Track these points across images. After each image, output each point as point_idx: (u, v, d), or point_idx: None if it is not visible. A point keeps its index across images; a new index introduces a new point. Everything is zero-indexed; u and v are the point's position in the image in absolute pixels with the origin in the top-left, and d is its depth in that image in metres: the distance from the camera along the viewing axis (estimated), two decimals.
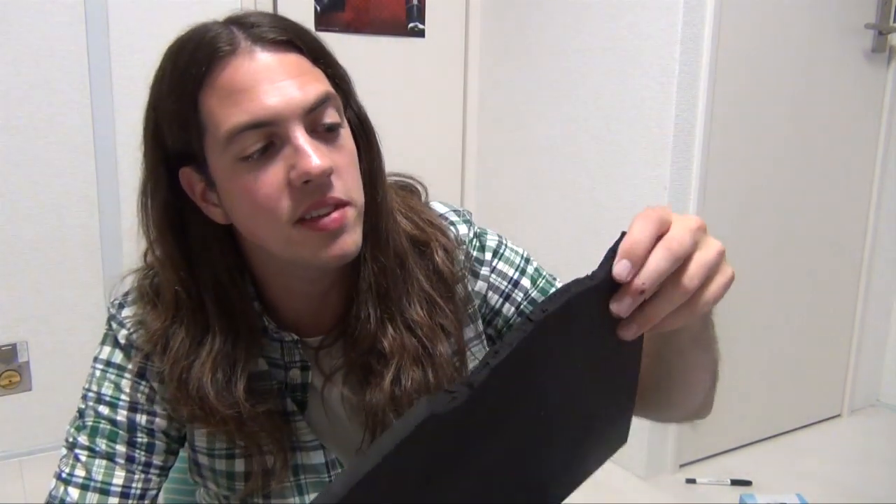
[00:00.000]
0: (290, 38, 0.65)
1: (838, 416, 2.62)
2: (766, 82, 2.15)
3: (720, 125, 2.07)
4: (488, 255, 0.82)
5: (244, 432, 0.73)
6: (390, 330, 0.74)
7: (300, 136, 0.63)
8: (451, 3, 2.66)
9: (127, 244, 2.25)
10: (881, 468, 2.29)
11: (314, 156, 0.63)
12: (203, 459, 0.78)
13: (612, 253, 0.53)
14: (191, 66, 0.64)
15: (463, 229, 0.82)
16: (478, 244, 0.82)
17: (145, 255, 0.75)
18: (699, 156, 2.06)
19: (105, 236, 2.24)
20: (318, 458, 0.78)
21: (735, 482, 2.16)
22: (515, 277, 0.82)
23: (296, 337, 0.76)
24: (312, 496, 0.78)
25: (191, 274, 0.71)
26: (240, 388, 0.71)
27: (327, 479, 0.78)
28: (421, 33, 2.62)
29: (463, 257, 0.80)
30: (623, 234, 0.53)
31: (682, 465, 2.26)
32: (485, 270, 0.81)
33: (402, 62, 2.58)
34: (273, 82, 0.63)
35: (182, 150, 0.67)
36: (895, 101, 2.43)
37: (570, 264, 2.31)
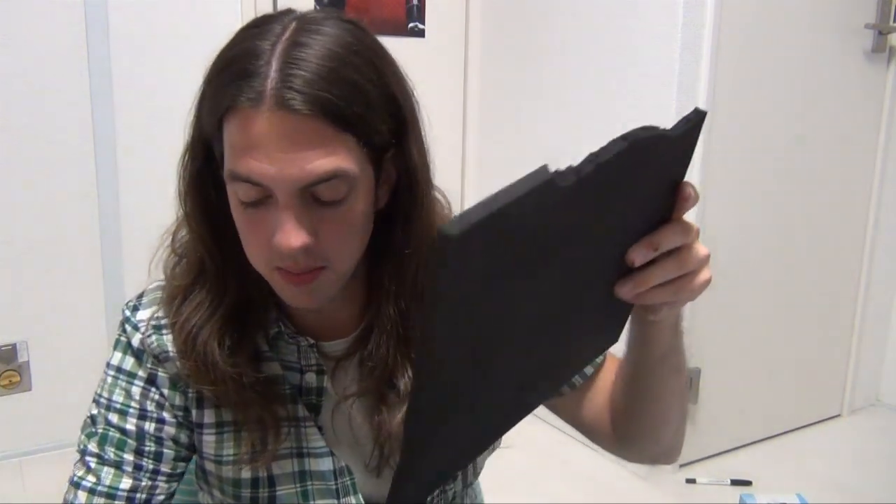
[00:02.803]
0: (314, 112, 0.62)
1: (838, 416, 2.62)
2: (765, 82, 2.15)
3: (720, 125, 2.07)
4: None
5: (242, 398, 0.73)
6: (408, 371, 0.76)
7: (286, 210, 0.64)
8: (451, 3, 2.66)
9: (127, 244, 2.25)
10: (881, 468, 2.29)
11: (290, 234, 0.63)
12: (210, 466, 0.78)
13: (685, 120, 0.56)
14: (225, 92, 0.64)
15: None
16: None
17: (174, 233, 0.77)
18: (699, 156, 2.06)
19: (105, 236, 2.24)
20: (326, 464, 0.78)
21: (735, 482, 2.16)
22: None
23: (311, 341, 0.77)
24: (318, 503, 0.78)
25: (216, 243, 0.73)
26: (245, 355, 0.73)
27: (334, 487, 0.78)
28: (421, 33, 2.62)
29: None
30: (696, 108, 0.57)
31: (682, 465, 2.26)
32: None
33: (401, 62, 2.58)
34: (278, 151, 0.62)
35: (210, 140, 0.70)
36: (895, 101, 2.43)
37: None
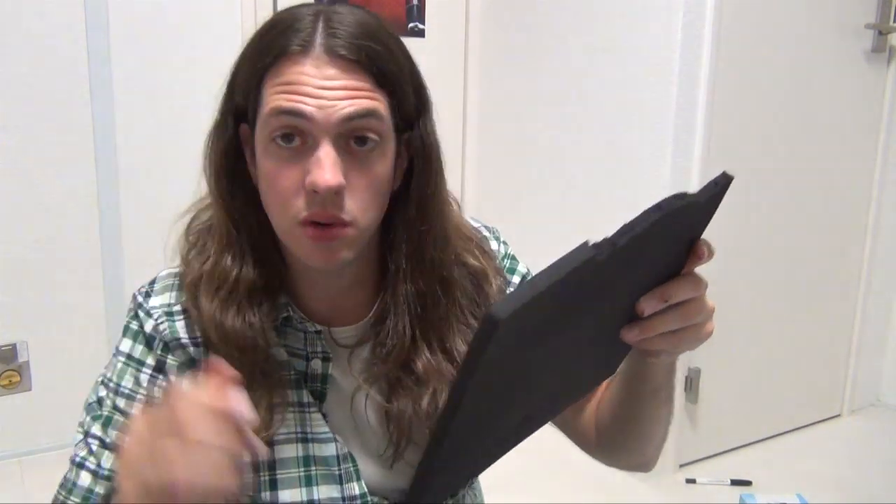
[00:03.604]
0: (359, 59, 0.68)
1: (838, 416, 2.62)
2: (765, 82, 2.15)
3: (720, 125, 2.07)
4: (515, 279, 0.89)
5: (249, 382, 0.73)
6: (426, 352, 0.77)
7: (323, 148, 0.67)
8: (451, 3, 2.66)
9: (127, 244, 2.25)
10: (881, 468, 2.29)
11: (327, 171, 0.66)
12: None
13: (713, 184, 0.60)
14: (270, 47, 0.69)
15: (493, 245, 0.88)
16: (509, 265, 0.89)
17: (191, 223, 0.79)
18: (699, 156, 2.06)
19: (105, 236, 2.24)
20: (329, 450, 0.79)
21: (735, 482, 2.16)
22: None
23: (319, 328, 0.78)
24: (321, 488, 0.78)
25: (236, 222, 0.75)
26: (262, 338, 0.74)
27: (337, 472, 0.79)
28: (421, 33, 2.62)
29: (501, 280, 0.86)
30: (724, 172, 0.61)
31: (682, 465, 2.26)
32: (509, 290, 0.87)
33: None
34: (323, 89, 0.67)
35: (243, 110, 0.72)
36: (895, 101, 2.43)
37: None
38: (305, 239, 0.70)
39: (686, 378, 2.22)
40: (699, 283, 0.65)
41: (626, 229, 0.52)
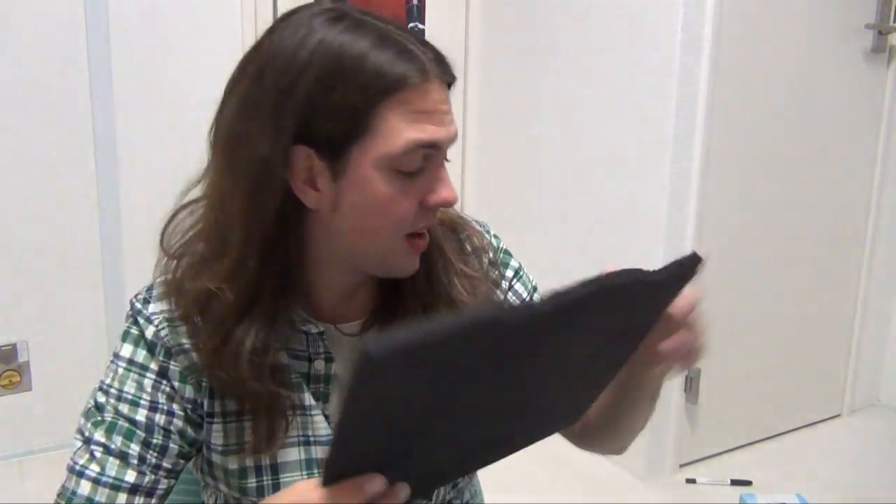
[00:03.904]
0: (453, 81, 0.74)
1: (838, 416, 2.62)
2: (765, 82, 2.15)
3: (720, 125, 2.07)
4: (509, 273, 0.90)
5: (254, 388, 0.74)
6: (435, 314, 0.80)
7: (444, 167, 0.74)
8: (451, 3, 2.66)
9: (127, 244, 2.25)
10: (881, 468, 2.29)
11: (452, 187, 0.73)
12: (216, 458, 0.79)
13: (678, 265, 0.62)
14: (385, 73, 0.68)
15: (486, 238, 0.90)
16: (504, 258, 0.90)
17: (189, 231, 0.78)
18: (699, 156, 2.06)
19: (105, 236, 2.24)
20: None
21: (735, 482, 2.16)
22: (526, 299, 0.90)
23: (321, 328, 0.79)
24: None
25: (262, 240, 0.72)
26: (273, 350, 0.74)
27: None
28: (421, 33, 2.62)
29: (493, 254, 0.88)
30: (695, 252, 0.64)
31: (682, 465, 2.26)
32: (504, 284, 0.89)
33: None
34: (445, 114, 0.72)
35: (324, 135, 0.69)
36: (895, 101, 2.43)
37: (570, 263, 2.31)
38: (409, 250, 0.74)
39: (686, 378, 2.22)
40: (690, 331, 0.74)
41: (552, 297, 0.53)
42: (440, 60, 0.72)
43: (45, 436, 2.23)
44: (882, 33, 2.33)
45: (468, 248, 0.86)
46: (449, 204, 0.73)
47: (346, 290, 0.80)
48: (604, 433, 0.89)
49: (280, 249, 0.72)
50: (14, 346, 2.21)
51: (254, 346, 0.73)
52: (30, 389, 2.25)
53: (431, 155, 0.71)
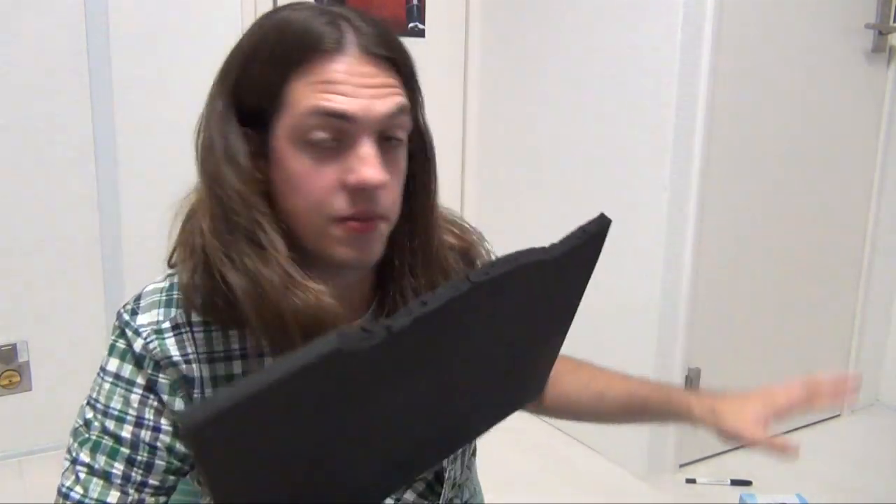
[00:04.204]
0: (392, 56, 0.70)
1: (838, 416, 2.62)
2: (765, 82, 2.15)
3: (720, 125, 2.07)
4: None
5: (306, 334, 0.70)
6: None
7: (368, 145, 0.68)
8: (451, 3, 2.66)
9: (127, 244, 2.25)
10: (881, 468, 2.29)
11: (374, 167, 0.67)
12: None
13: (581, 231, 0.57)
14: (294, 47, 0.68)
15: (488, 246, 0.89)
16: None
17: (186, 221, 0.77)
18: (699, 156, 2.06)
19: (105, 236, 2.24)
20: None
21: (735, 482, 2.16)
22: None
23: None
24: None
25: (234, 215, 0.71)
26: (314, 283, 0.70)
27: None
28: (421, 33, 2.62)
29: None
30: (602, 215, 0.59)
31: (682, 465, 2.26)
32: None
33: None
34: (363, 86, 0.68)
35: (251, 112, 0.71)
36: (895, 101, 2.43)
37: None
38: (346, 234, 0.70)
39: (686, 378, 2.22)
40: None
41: (412, 307, 0.48)
42: (377, 36, 0.69)
43: (45, 436, 2.23)
44: (882, 33, 2.33)
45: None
46: (369, 185, 0.67)
47: (338, 291, 0.76)
48: (587, 417, 0.91)
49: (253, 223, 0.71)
50: (14, 346, 2.21)
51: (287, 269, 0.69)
52: (30, 389, 2.25)
53: (345, 128, 0.68)
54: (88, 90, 2.16)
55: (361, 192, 0.68)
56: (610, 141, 2.20)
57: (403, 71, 0.72)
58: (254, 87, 0.70)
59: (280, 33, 0.69)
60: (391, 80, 0.70)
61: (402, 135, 0.71)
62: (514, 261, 0.52)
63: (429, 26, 2.62)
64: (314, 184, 0.68)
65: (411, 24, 2.60)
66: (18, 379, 2.23)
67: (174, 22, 2.22)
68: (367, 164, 0.67)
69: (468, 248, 0.84)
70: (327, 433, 0.49)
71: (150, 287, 0.78)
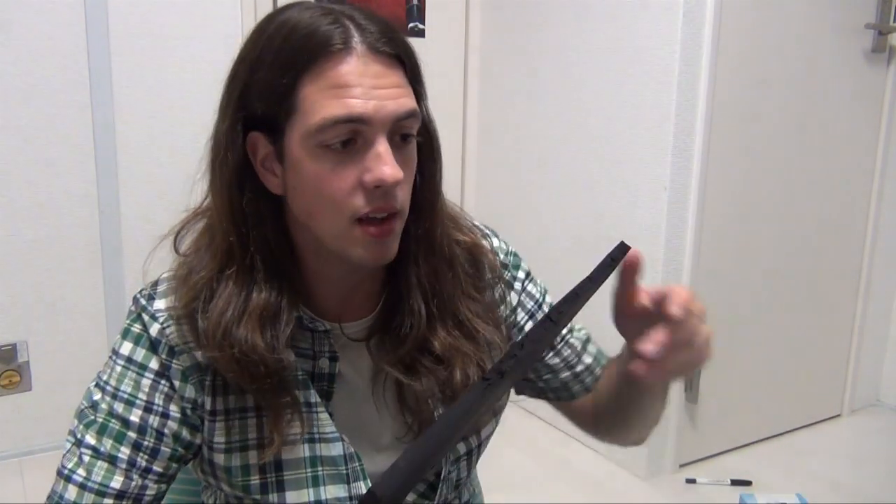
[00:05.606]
0: (398, 53, 0.71)
1: (838, 416, 2.62)
2: (765, 82, 2.15)
3: (720, 125, 2.07)
4: (521, 274, 0.90)
5: (283, 384, 0.74)
6: (441, 331, 0.78)
7: (383, 143, 0.69)
8: (451, 3, 2.66)
9: (127, 244, 2.25)
10: (881, 468, 2.29)
11: (391, 165, 0.68)
12: (219, 458, 0.78)
13: (610, 259, 0.64)
14: (302, 50, 0.68)
15: (496, 242, 0.89)
16: (514, 261, 0.90)
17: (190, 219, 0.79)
18: (699, 156, 2.06)
19: (105, 236, 2.24)
20: (336, 449, 0.79)
21: (735, 482, 2.16)
22: (539, 300, 0.91)
23: (328, 326, 0.78)
24: (328, 488, 0.78)
25: (246, 231, 0.73)
26: (283, 345, 0.73)
27: (344, 472, 0.79)
28: (421, 33, 2.62)
29: (500, 263, 0.88)
30: (622, 243, 0.65)
31: (682, 465, 2.26)
32: (517, 286, 0.89)
33: None
34: (374, 88, 0.68)
35: (263, 118, 0.71)
36: (895, 101, 2.43)
37: (569, 263, 2.31)
38: (365, 237, 0.71)
39: (686, 378, 2.22)
40: (687, 326, 0.65)
41: (514, 349, 0.62)
42: (382, 33, 0.69)
43: (45, 436, 2.23)
44: (882, 33, 2.33)
45: (479, 270, 0.84)
46: (386, 182, 0.68)
47: (345, 287, 0.79)
48: (615, 425, 0.89)
49: (262, 238, 0.73)
50: (14, 346, 2.21)
51: (263, 331, 0.72)
52: (30, 389, 2.25)
53: (360, 130, 0.68)
54: (88, 90, 2.16)
55: (379, 190, 0.69)
56: (610, 141, 2.20)
57: (409, 66, 0.72)
58: (263, 92, 0.70)
59: (286, 36, 0.69)
60: (399, 79, 0.70)
61: (413, 132, 0.72)
62: (578, 297, 0.62)
63: (429, 26, 2.62)
64: (333, 186, 0.69)
65: (411, 24, 2.60)
66: (18, 379, 2.23)
67: (174, 22, 2.22)
68: (384, 163, 0.68)
69: (473, 246, 0.84)
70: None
71: (167, 273, 0.79)
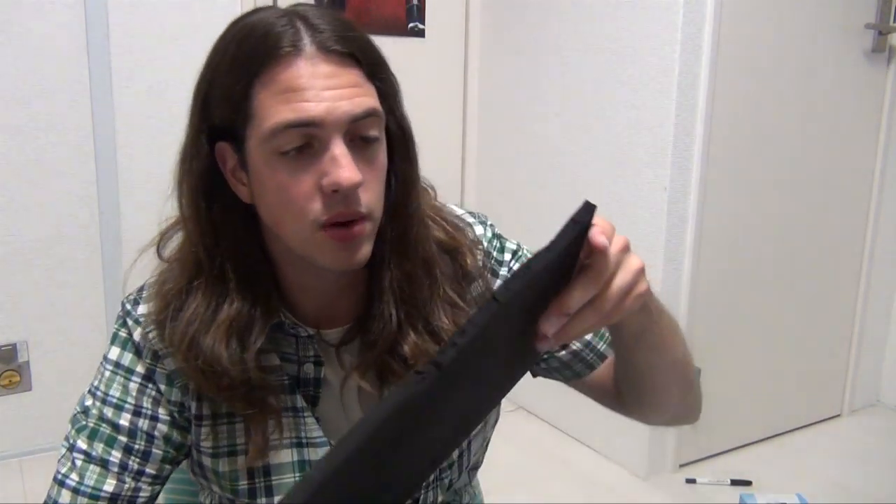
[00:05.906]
0: (352, 51, 0.68)
1: (838, 416, 2.62)
2: (765, 82, 2.15)
3: (720, 125, 2.07)
4: (507, 256, 0.86)
5: (251, 399, 0.73)
6: (412, 336, 0.76)
7: (338, 146, 0.66)
8: (451, 3, 2.66)
9: (127, 244, 2.25)
10: (881, 468, 2.29)
11: (347, 168, 0.66)
12: (207, 461, 0.78)
13: (572, 222, 0.57)
14: (253, 55, 0.67)
15: (479, 230, 0.86)
16: (498, 245, 0.86)
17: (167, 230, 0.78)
18: (699, 156, 2.06)
19: (105, 236, 2.24)
20: (324, 454, 0.78)
21: (735, 482, 2.16)
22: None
23: (311, 332, 0.78)
24: None
25: (215, 242, 0.72)
26: (251, 356, 0.72)
27: None
28: (421, 33, 2.62)
29: (482, 256, 0.84)
30: (587, 202, 0.58)
31: (682, 465, 2.26)
32: (503, 271, 0.86)
33: (402, 62, 2.55)
34: (325, 89, 0.66)
35: (225, 126, 0.70)
36: (895, 101, 2.43)
37: None
38: (329, 243, 0.69)
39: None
40: (598, 277, 0.59)
41: (449, 344, 0.51)
42: (334, 31, 0.67)
43: (45, 436, 2.23)
44: (882, 33, 2.33)
45: (462, 273, 0.81)
46: (342, 186, 0.66)
47: (324, 293, 0.78)
48: (635, 393, 0.83)
49: (233, 248, 0.72)
50: (14, 346, 2.21)
51: (229, 342, 0.72)
52: (30, 389, 2.25)
53: (314, 133, 0.66)
54: (88, 90, 2.16)
55: (338, 195, 0.67)
56: (610, 141, 2.20)
57: (367, 64, 0.70)
58: (221, 100, 0.69)
59: (240, 41, 0.68)
60: (354, 78, 0.68)
61: (376, 132, 0.70)
62: (529, 270, 0.53)
63: (429, 26, 2.62)
64: (293, 192, 0.67)
65: (411, 24, 2.60)
66: (18, 379, 2.23)
67: (174, 21, 2.22)
68: (339, 166, 0.66)
69: (455, 247, 0.81)
70: (393, 455, 0.54)
71: (153, 278, 0.79)
